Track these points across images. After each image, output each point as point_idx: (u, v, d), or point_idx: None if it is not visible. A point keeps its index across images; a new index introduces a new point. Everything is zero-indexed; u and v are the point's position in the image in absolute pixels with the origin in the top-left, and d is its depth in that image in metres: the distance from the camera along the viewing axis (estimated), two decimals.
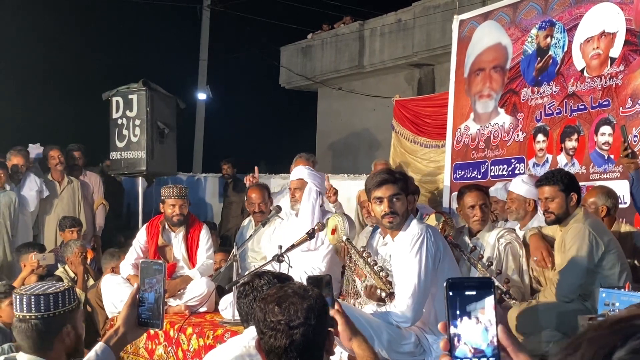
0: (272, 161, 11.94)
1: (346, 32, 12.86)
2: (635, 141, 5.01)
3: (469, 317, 1.12)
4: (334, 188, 5.45)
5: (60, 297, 2.31)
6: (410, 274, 3.31)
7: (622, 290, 3.44)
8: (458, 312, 1.12)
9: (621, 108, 5.13)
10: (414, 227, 3.44)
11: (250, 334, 2.42)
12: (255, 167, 6.35)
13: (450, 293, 1.13)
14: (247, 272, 4.30)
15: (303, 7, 14.23)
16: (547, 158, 5.66)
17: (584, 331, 0.78)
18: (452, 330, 1.12)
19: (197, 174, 10.75)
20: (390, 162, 7.73)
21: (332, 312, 2.04)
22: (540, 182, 4.12)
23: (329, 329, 1.97)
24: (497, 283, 4.07)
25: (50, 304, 2.29)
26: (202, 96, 14.72)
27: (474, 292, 1.13)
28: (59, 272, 5.63)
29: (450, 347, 1.11)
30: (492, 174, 6.15)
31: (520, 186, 4.74)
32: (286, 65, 14.17)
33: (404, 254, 3.43)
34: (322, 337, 1.89)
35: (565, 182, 3.96)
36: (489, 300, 1.13)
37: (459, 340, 1.11)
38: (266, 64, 15.22)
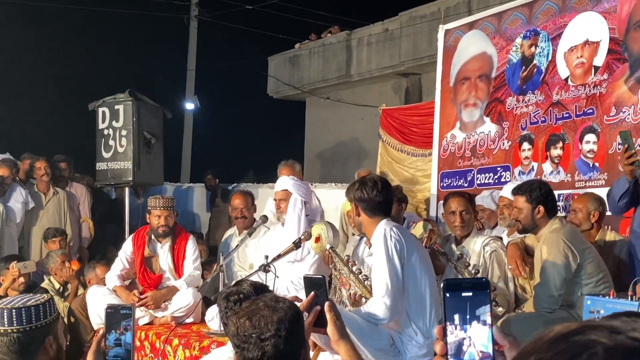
0: (261, 171, 11.94)
1: (333, 41, 12.91)
2: (619, 149, 5.04)
3: (478, 320, 1.12)
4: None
5: (41, 309, 2.30)
6: (381, 273, 3.36)
7: (607, 297, 3.46)
8: (467, 316, 1.11)
9: (605, 116, 5.16)
10: (380, 228, 3.48)
11: None
12: None
13: (448, 294, 1.13)
14: (233, 282, 4.28)
15: (290, 17, 14.30)
16: (533, 166, 5.69)
17: (524, 352, 0.74)
18: (458, 333, 1.11)
19: (185, 184, 10.72)
20: (377, 171, 7.74)
21: (326, 310, 2.10)
22: (513, 191, 4.22)
23: (305, 339, 2.00)
24: None
25: (32, 317, 2.28)
26: (190, 106, 14.72)
27: (470, 293, 1.13)
28: (45, 284, 5.59)
29: (455, 351, 1.10)
30: (478, 182, 6.17)
31: (509, 191, 4.75)
32: (274, 75, 14.20)
33: (374, 256, 3.48)
34: (296, 347, 1.93)
35: (533, 194, 4.04)
36: (489, 301, 1.13)
37: (463, 344, 1.11)
38: (254, 73, 15.26)
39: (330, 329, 2.10)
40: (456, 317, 1.12)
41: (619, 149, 4.99)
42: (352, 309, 3.88)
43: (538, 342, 0.73)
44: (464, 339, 1.11)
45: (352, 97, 12.79)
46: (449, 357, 1.12)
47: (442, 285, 1.14)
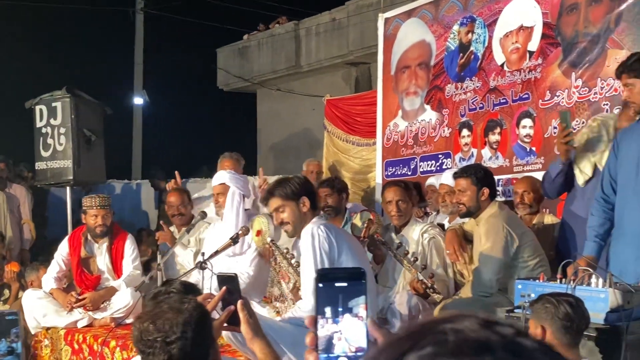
0: (214, 165, 11.80)
1: (282, 32, 12.81)
2: (554, 133, 5.10)
3: (351, 313, 1.07)
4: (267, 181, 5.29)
5: None
6: (309, 274, 3.29)
7: (537, 281, 3.49)
8: (339, 308, 1.07)
9: (540, 101, 5.23)
10: (307, 229, 3.40)
11: None
12: (176, 173, 6.27)
13: (320, 285, 1.07)
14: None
15: (238, 8, 14.14)
16: (472, 152, 5.74)
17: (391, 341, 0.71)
18: (329, 327, 1.07)
19: (133, 181, 10.52)
20: (324, 162, 7.73)
21: (238, 308, 2.07)
22: (455, 174, 4.20)
23: (214, 339, 1.96)
24: (422, 278, 4.10)
25: None
26: (138, 101, 14.46)
27: (345, 284, 1.08)
28: None
29: (326, 345, 1.06)
30: (421, 170, 6.20)
31: (450, 178, 4.78)
32: (223, 67, 14.02)
33: (302, 256, 3.41)
34: (204, 348, 1.89)
35: (478, 176, 4.01)
36: (363, 293, 1.08)
37: (333, 338, 1.06)
38: (203, 66, 15.03)
39: (243, 327, 2.07)
40: (328, 309, 1.07)
41: (556, 129, 5.06)
42: (292, 304, 3.85)
43: (408, 329, 0.70)
44: (335, 332, 1.07)
45: (303, 87, 12.73)
46: (319, 352, 1.08)
47: (315, 275, 1.10)
